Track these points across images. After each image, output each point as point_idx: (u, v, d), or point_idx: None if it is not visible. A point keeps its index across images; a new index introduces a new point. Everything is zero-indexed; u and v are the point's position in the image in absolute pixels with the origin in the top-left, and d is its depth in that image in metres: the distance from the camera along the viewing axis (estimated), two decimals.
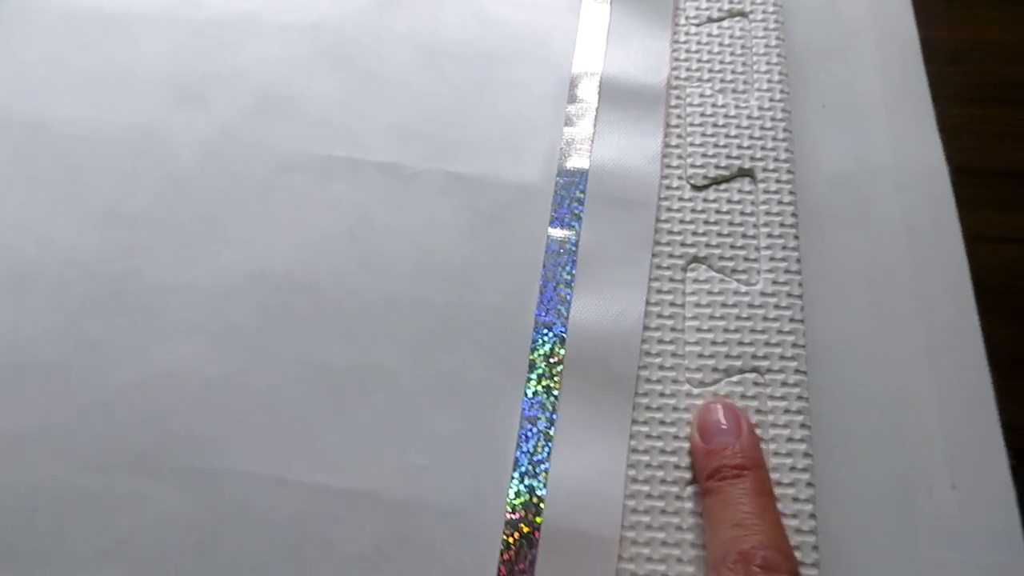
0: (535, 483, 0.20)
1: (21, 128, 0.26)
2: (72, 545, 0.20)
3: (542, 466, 0.20)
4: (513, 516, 0.19)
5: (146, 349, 0.22)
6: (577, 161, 0.24)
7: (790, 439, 0.20)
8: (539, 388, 0.21)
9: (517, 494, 0.19)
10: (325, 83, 0.26)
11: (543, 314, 0.22)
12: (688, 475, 0.20)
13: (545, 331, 0.22)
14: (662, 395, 0.21)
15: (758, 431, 0.21)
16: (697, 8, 0.27)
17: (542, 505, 0.19)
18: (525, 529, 0.19)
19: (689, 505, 0.20)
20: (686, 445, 0.21)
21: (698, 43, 0.26)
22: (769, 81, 0.26)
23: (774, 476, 0.20)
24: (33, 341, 0.22)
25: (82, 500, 0.21)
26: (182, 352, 0.22)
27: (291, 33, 0.27)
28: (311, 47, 0.27)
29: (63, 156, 0.26)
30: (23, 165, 0.25)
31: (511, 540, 0.19)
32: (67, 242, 0.24)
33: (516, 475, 0.20)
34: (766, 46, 0.26)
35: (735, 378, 0.21)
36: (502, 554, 0.19)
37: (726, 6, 0.27)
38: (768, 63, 0.26)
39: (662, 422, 0.21)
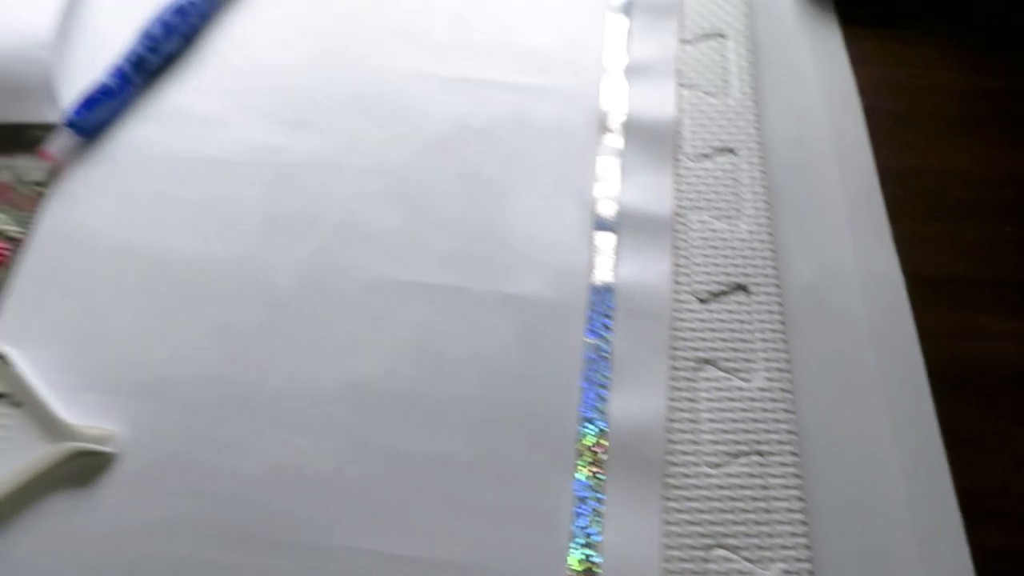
0: (591, 552, 0.25)
1: (142, 258, 0.31)
2: None
3: (595, 538, 0.25)
4: None
5: (268, 446, 0.27)
6: (605, 279, 0.30)
7: (789, 510, 0.26)
8: (588, 473, 0.26)
9: (580, 561, 0.25)
10: (393, 216, 0.32)
11: (586, 411, 0.28)
12: (711, 540, 0.25)
13: (588, 424, 0.27)
14: (684, 476, 0.27)
15: (762, 505, 0.26)
16: (693, 146, 0.33)
17: (598, 570, 0.25)
18: None
19: (714, 566, 0.25)
20: (708, 516, 0.26)
21: (695, 176, 0.33)
22: (755, 208, 0.32)
23: (777, 541, 0.25)
24: (176, 440, 0.28)
25: (223, 571, 0.25)
26: (296, 448, 0.27)
27: (362, 174, 0.33)
28: (379, 185, 0.33)
29: (180, 281, 0.31)
30: (147, 290, 0.31)
31: None
32: (193, 356, 0.29)
33: (575, 546, 0.25)
34: (751, 177, 0.32)
35: (742, 460, 0.27)
36: None
37: (718, 144, 0.33)
38: (753, 192, 0.32)
39: (687, 498, 0.26)
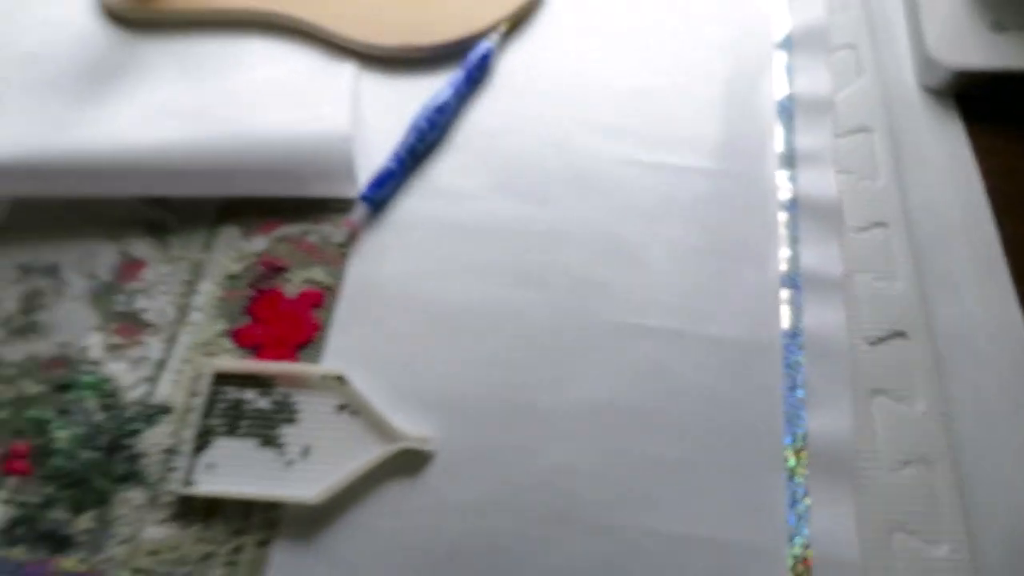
0: (804, 535, 0.34)
1: (427, 301, 0.41)
2: (526, 570, 0.34)
3: (805, 524, 0.34)
4: (794, 552, 0.33)
5: (546, 448, 0.37)
6: (793, 325, 0.39)
7: (951, 504, 0.34)
8: (794, 474, 0.35)
9: (801, 545, 0.34)
10: (621, 273, 0.41)
11: (788, 426, 0.36)
12: (892, 526, 0.34)
13: (791, 438, 0.36)
14: (868, 478, 0.35)
15: (930, 500, 0.34)
16: (853, 220, 0.42)
17: (809, 552, 0.34)
18: (801, 558, 0.33)
19: (896, 546, 0.34)
20: (888, 507, 0.34)
21: (857, 245, 0.41)
22: (906, 271, 0.40)
23: (944, 527, 0.34)
24: (476, 443, 0.37)
25: (528, 541, 0.35)
26: (568, 450, 0.37)
27: (592, 239, 0.42)
28: (606, 248, 0.42)
29: (459, 321, 0.40)
30: (434, 327, 0.40)
31: (795, 567, 0.33)
32: (478, 379, 0.39)
33: (793, 529, 0.34)
34: (900, 246, 0.41)
35: (912, 467, 0.35)
36: None
37: (872, 220, 0.42)
38: (903, 258, 0.41)
39: (871, 495, 0.35)
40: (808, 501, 0.35)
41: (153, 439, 0.39)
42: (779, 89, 0.47)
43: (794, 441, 0.36)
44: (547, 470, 0.36)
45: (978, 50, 0.46)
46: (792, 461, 0.35)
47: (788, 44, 0.48)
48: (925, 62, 0.46)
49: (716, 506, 0.35)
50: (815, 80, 0.47)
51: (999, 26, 0.46)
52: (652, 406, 0.37)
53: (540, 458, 0.37)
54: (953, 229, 0.42)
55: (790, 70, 0.47)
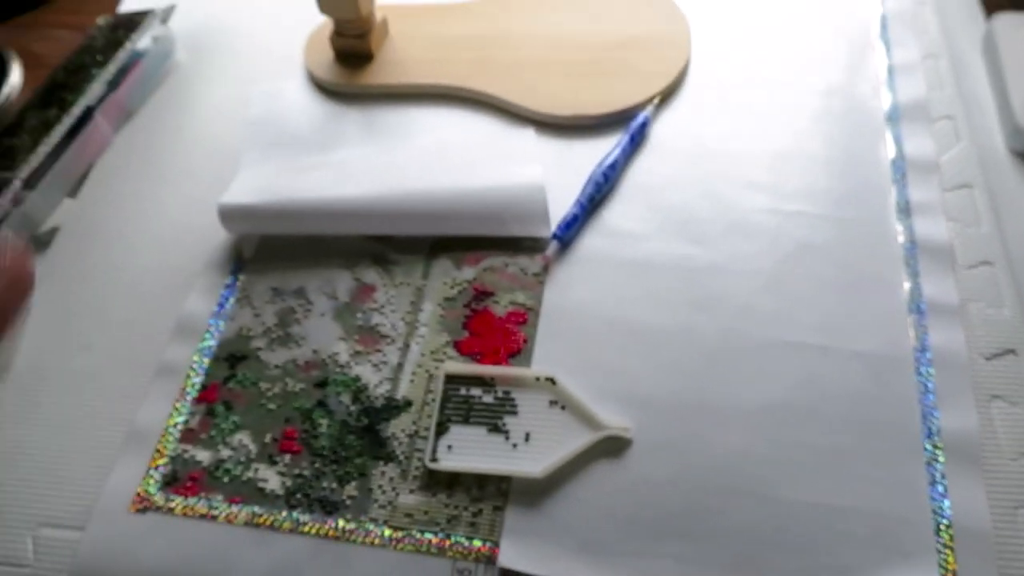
0: (943, 506, 0.42)
1: (611, 321, 0.50)
2: (713, 529, 0.42)
3: (947, 503, 0.42)
4: (937, 521, 0.41)
5: (724, 439, 0.45)
6: (921, 343, 0.47)
7: None
8: (932, 460, 0.43)
9: (937, 511, 0.42)
10: (770, 301, 0.50)
11: (924, 423, 0.45)
12: (1016, 503, 0.42)
13: (927, 431, 0.44)
14: (993, 463, 0.43)
15: None
16: (964, 259, 0.51)
17: (951, 529, 0.41)
18: (944, 527, 0.41)
19: (1021, 520, 0.41)
20: (1012, 487, 0.42)
21: (970, 279, 0.50)
22: (1011, 300, 0.49)
23: None
24: (666, 433, 0.46)
25: (713, 508, 0.43)
26: (740, 440, 0.45)
27: (746, 274, 0.52)
28: (759, 281, 0.51)
29: (644, 338, 0.50)
30: (620, 342, 0.50)
31: (938, 534, 0.41)
32: (663, 383, 0.48)
33: (933, 503, 0.42)
34: (1006, 281, 0.50)
35: None
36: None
37: (980, 259, 0.51)
38: (1010, 290, 0.49)
39: (996, 477, 0.43)
40: (946, 483, 0.43)
41: (400, 426, 0.48)
42: (890, 151, 0.56)
43: (931, 434, 0.44)
44: (722, 455, 0.45)
45: None
46: (929, 450, 0.44)
47: (895, 115, 0.58)
48: (1013, 130, 0.56)
49: (865, 484, 0.43)
50: (921, 144, 0.57)
51: None
52: (805, 405, 0.46)
53: (716, 446, 0.45)
54: None
55: (898, 138, 0.57)
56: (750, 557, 0.42)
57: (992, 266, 0.51)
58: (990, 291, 0.50)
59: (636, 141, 0.58)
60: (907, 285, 0.50)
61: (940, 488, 0.43)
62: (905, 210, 0.53)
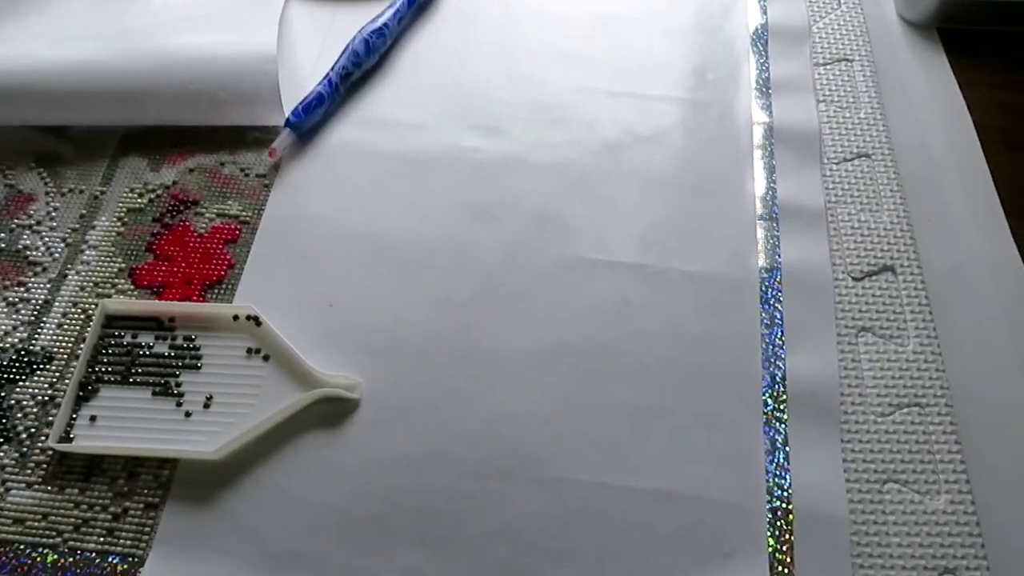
0: (783, 486, 0.29)
1: (360, 237, 0.36)
2: (463, 529, 0.29)
3: (786, 474, 0.29)
4: (773, 506, 0.29)
5: (492, 396, 0.32)
6: (771, 261, 0.35)
7: (949, 451, 0.30)
8: (773, 419, 0.31)
9: (777, 497, 0.29)
10: (578, 206, 0.37)
11: (766, 368, 0.32)
12: (884, 476, 0.29)
13: (769, 380, 0.31)
14: (856, 423, 0.31)
15: (924, 447, 0.30)
16: (834, 151, 0.38)
17: (790, 506, 0.29)
18: (781, 513, 0.28)
19: (888, 497, 0.29)
20: (879, 456, 0.30)
21: (839, 176, 0.37)
22: (893, 202, 0.36)
23: (941, 476, 0.29)
24: (410, 390, 0.32)
25: (466, 499, 0.29)
26: (513, 397, 0.32)
27: (547, 170, 0.38)
28: (563, 180, 0.37)
29: (396, 258, 0.35)
30: (367, 265, 0.35)
31: (774, 523, 0.28)
32: (417, 320, 0.34)
33: (769, 480, 0.29)
34: (886, 178, 0.37)
35: (904, 411, 0.31)
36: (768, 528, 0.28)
37: (854, 151, 0.38)
38: (890, 189, 0.37)
39: (860, 441, 0.30)
40: (788, 450, 0.30)
41: (31, 390, 0.33)
42: (753, 18, 0.43)
43: (772, 384, 0.32)
44: (489, 420, 0.31)
45: None
46: (770, 405, 0.31)
47: None
48: None
49: (685, 457, 0.30)
50: (791, 10, 0.43)
51: None
52: (614, 348, 0.33)
53: (482, 407, 0.32)
54: (941, 162, 0.38)
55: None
56: (516, 570, 0.29)
57: (870, 159, 0.38)
58: (866, 191, 0.37)
59: (419, 3, 0.43)
60: (759, 184, 0.37)
61: (781, 458, 0.30)
62: (764, 89, 0.40)
